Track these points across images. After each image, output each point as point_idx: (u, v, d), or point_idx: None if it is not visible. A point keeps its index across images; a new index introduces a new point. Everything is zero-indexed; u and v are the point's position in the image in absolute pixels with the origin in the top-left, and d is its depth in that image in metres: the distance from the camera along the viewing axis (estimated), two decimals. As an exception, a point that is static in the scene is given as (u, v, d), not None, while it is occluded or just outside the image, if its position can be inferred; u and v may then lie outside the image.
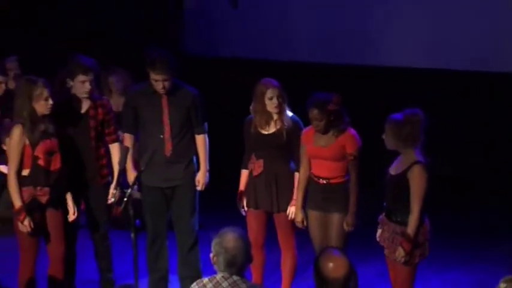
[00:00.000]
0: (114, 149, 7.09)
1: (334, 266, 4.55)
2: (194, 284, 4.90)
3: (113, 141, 7.12)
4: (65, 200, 6.77)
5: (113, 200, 6.85)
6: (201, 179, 7.03)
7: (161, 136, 6.91)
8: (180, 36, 11.79)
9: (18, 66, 9.79)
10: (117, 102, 9.21)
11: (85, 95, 6.90)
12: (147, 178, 7.02)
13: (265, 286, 5.09)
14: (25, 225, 6.42)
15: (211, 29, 11.62)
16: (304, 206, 6.80)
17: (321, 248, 6.28)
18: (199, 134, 7.04)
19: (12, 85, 9.64)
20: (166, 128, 6.90)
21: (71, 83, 6.95)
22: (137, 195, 7.22)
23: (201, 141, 7.04)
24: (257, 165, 6.89)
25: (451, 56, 10.18)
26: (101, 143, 7.08)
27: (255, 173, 6.92)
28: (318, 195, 6.71)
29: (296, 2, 11.17)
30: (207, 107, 7.12)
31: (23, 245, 6.64)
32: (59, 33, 11.22)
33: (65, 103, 6.91)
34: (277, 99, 6.75)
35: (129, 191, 6.28)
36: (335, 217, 6.65)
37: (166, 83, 6.80)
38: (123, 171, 6.79)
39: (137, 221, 7.11)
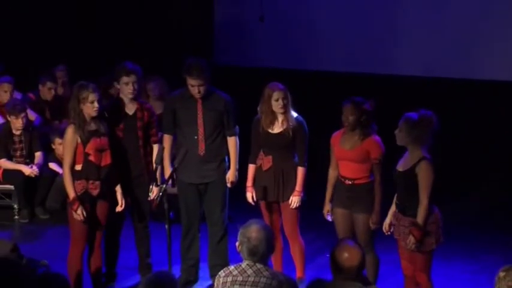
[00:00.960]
0: (155, 149, 7.41)
1: (348, 256, 4.81)
2: (221, 271, 5.14)
3: (155, 142, 7.44)
4: (115, 192, 7.16)
5: (150, 195, 7.13)
6: (230, 177, 7.37)
7: (195, 137, 7.27)
8: (210, 48, 11.85)
9: (66, 74, 10.16)
10: (153, 106, 9.25)
11: (130, 96, 7.24)
12: (183, 175, 7.33)
13: (285, 274, 5.33)
14: (78, 214, 6.85)
15: (239, 41, 11.68)
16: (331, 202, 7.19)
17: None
18: (230, 136, 7.38)
19: (60, 91, 10.15)
20: (200, 130, 7.28)
21: (118, 86, 7.40)
22: (171, 190, 7.37)
23: (232, 143, 7.39)
24: (266, 161, 7.31)
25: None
26: (147, 143, 7.40)
27: (264, 168, 7.32)
28: (344, 194, 7.06)
29: (317, 14, 11.25)
30: (237, 112, 7.43)
31: (74, 233, 7.05)
32: (99, 44, 11.40)
33: (114, 105, 7.34)
34: (283, 101, 7.16)
35: (164, 186, 6.58)
36: (360, 217, 7.01)
37: (202, 88, 7.17)
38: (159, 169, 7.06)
39: (171, 213, 7.40)
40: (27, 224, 9.32)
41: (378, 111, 7.54)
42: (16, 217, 9.40)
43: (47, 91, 9.99)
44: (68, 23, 11.63)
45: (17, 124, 9.33)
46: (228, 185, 7.41)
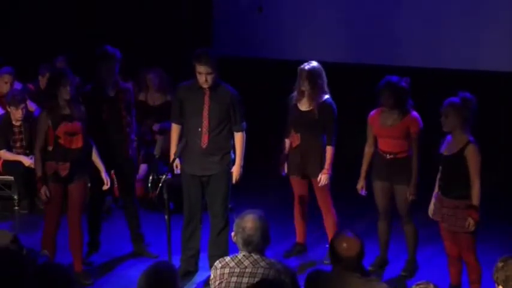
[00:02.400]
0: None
1: (347, 246, 4.82)
2: (217, 261, 5.14)
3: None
4: (90, 173, 7.48)
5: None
6: (235, 172, 7.36)
7: (199, 129, 7.23)
8: (209, 38, 11.88)
9: (66, 65, 10.03)
10: (153, 97, 9.73)
11: (111, 78, 7.60)
12: (186, 166, 7.35)
13: (285, 264, 5.17)
14: (41, 193, 7.19)
15: (238, 31, 11.70)
16: (367, 177, 7.58)
17: (384, 213, 7.52)
18: (237, 131, 7.35)
19: None
20: (205, 122, 7.24)
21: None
22: (171, 181, 7.03)
23: (239, 138, 7.36)
24: (295, 138, 7.68)
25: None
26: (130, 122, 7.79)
27: (293, 145, 7.68)
28: (384, 168, 7.40)
29: (316, 5, 11.26)
30: (245, 107, 7.41)
31: (45, 212, 7.40)
32: (98, 34, 11.13)
33: (96, 88, 7.68)
34: (309, 80, 7.49)
35: (163, 177, 6.59)
36: (399, 188, 7.37)
37: (209, 77, 7.12)
38: (158, 159, 7.26)
39: (171, 204, 7.23)
40: (27, 214, 9.38)
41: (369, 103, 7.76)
42: (16, 208, 9.43)
43: (46, 82, 9.86)
44: (68, 13, 11.64)
45: (16, 115, 9.34)
46: (233, 181, 7.40)
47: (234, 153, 7.40)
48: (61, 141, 7.19)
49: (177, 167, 7.33)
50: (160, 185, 6.64)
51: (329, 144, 7.60)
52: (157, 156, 7.15)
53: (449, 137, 6.81)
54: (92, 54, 7.76)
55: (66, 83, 7.10)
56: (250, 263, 5.02)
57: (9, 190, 9.49)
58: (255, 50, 11.57)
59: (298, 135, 7.64)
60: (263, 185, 9.52)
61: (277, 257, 6.45)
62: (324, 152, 7.62)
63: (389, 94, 7.25)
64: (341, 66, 10.68)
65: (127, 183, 7.94)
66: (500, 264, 4.78)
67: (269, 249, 5.21)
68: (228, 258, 5.11)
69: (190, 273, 7.58)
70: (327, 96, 7.58)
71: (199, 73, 7.14)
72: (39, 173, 7.22)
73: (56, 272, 4.45)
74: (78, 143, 7.25)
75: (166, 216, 6.56)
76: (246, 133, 7.46)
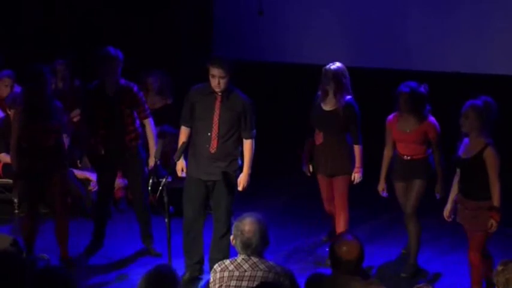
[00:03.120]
0: (147, 126, 7.94)
1: (347, 249, 4.85)
2: (216, 265, 5.14)
3: (145, 118, 7.92)
4: (65, 169, 7.72)
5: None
6: (242, 180, 7.26)
7: (209, 134, 7.14)
8: (209, 42, 11.86)
9: (66, 68, 10.15)
10: (153, 100, 9.67)
11: (112, 78, 7.72)
12: (191, 170, 7.27)
13: (284, 266, 5.16)
14: (16, 188, 7.61)
15: (238, 35, 11.67)
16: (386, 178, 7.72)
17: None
18: (246, 139, 7.26)
19: (60, 85, 10.15)
20: (215, 127, 7.15)
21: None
22: (171, 184, 7.26)
23: (248, 146, 7.27)
24: (319, 137, 7.76)
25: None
26: (133, 121, 7.90)
27: (317, 143, 7.77)
28: (402, 169, 7.58)
29: (316, 8, 11.23)
30: (256, 116, 7.33)
31: (23, 207, 7.73)
32: (97, 37, 11.08)
33: (97, 87, 7.82)
34: (332, 80, 7.58)
35: (164, 180, 6.57)
36: (416, 182, 7.53)
37: (222, 81, 7.05)
38: (158, 162, 7.18)
39: (171, 207, 7.20)
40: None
41: (379, 105, 7.95)
42: (16, 211, 9.31)
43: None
44: (68, 16, 11.64)
45: (16, 118, 9.38)
46: (239, 188, 7.32)
47: (242, 159, 7.36)
48: (35, 138, 7.39)
49: (182, 170, 7.30)
50: (160, 188, 6.62)
51: (356, 143, 7.72)
52: (157, 160, 7.03)
53: (466, 140, 6.90)
54: (94, 55, 7.88)
55: (42, 82, 7.30)
56: (250, 266, 5.01)
57: (9, 193, 9.44)
58: (255, 54, 11.59)
59: (322, 134, 7.74)
60: (266, 189, 9.49)
61: (277, 259, 6.45)
62: (348, 151, 7.74)
63: (407, 99, 7.39)
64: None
65: (133, 181, 8.04)
66: (500, 268, 4.92)
67: (269, 252, 5.20)
68: (227, 262, 5.11)
69: (196, 279, 7.52)
70: (350, 96, 7.69)
71: (213, 76, 7.08)
72: (15, 169, 7.47)
73: (55, 276, 4.45)
74: (52, 140, 7.45)
75: (166, 220, 6.58)
76: (258, 143, 7.46)
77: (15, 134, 7.44)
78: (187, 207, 7.41)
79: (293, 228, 8.61)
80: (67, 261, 7.72)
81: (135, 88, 7.95)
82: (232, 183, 7.31)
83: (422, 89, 7.43)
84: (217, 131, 7.18)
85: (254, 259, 5.02)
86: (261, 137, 7.56)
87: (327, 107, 7.69)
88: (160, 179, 6.77)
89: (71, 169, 8.95)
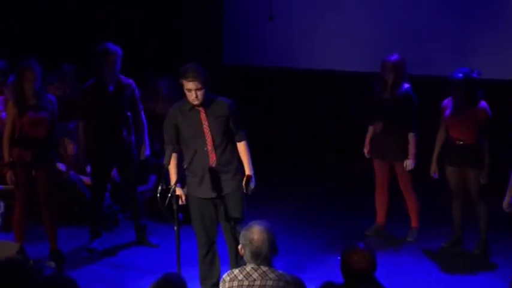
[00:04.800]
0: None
1: (358, 258, 4.80)
2: (225, 275, 5.11)
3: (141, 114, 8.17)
4: (54, 162, 7.96)
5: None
6: (247, 183, 6.98)
7: (205, 148, 6.85)
8: (219, 47, 11.86)
9: (73, 73, 10.04)
10: (163, 107, 9.41)
11: (111, 73, 7.89)
12: (195, 191, 6.97)
13: (294, 275, 5.12)
14: (8, 177, 7.69)
15: (249, 40, 11.68)
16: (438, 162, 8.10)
17: (457, 194, 8.13)
18: (239, 141, 7.00)
19: (67, 91, 9.94)
20: (209, 140, 6.85)
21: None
22: (180, 191, 7.02)
23: (242, 148, 7.01)
24: (378, 125, 8.25)
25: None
26: (129, 116, 8.13)
27: (376, 131, 8.29)
28: (454, 153, 7.95)
29: (327, 13, 11.23)
30: (242, 115, 7.07)
31: (15, 196, 7.85)
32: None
33: (96, 83, 7.99)
34: (391, 71, 8.08)
35: (173, 187, 6.48)
36: (471, 173, 7.91)
37: (199, 93, 6.73)
38: (168, 169, 6.81)
39: (180, 214, 7.04)
40: (34, 225, 9.11)
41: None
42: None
43: (54, 91, 9.72)
44: (76, 20, 11.63)
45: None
46: (247, 191, 7.04)
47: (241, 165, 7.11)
48: (26, 129, 7.64)
49: (181, 198, 6.91)
50: (169, 195, 6.52)
51: (410, 131, 8.15)
52: (166, 166, 6.92)
53: None
54: (94, 51, 7.98)
55: (31, 76, 7.54)
56: (259, 275, 4.98)
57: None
58: (265, 59, 11.59)
59: (381, 122, 8.19)
60: (272, 196, 9.50)
61: (286, 268, 6.33)
62: (406, 138, 8.17)
63: (460, 84, 7.69)
64: (354, 75, 10.72)
65: (127, 176, 8.30)
66: None
67: (278, 260, 5.18)
68: (236, 271, 5.07)
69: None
70: (408, 85, 8.14)
71: (189, 90, 6.76)
72: (6, 159, 7.71)
73: (63, 284, 4.43)
74: (42, 132, 7.68)
75: (175, 228, 6.47)
76: (253, 142, 7.25)
77: (9, 125, 7.70)
78: (199, 231, 7.11)
79: (302, 235, 8.60)
80: (56, 254, 7.89)
81: (134, 83, 8.15)
82: (240, 194, 7.05)
83: (476, 74, 7.73)
84: (212, 142, 6.90)
85: (263, 268, 4.99)
86: (270, 143, 7.47)
87: (386, 96, 8.14)
88: (169, 186, 6.64)
89: (80, 176, 9.03)
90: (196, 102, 6.81)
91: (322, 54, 11.18)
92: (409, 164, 8.21)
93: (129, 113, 8.21)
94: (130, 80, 8.16)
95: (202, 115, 6.87)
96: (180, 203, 6.89)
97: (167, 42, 11.56)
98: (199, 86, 6.74)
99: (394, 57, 8.16)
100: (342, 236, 8.44)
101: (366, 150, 8.47)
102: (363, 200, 8.23)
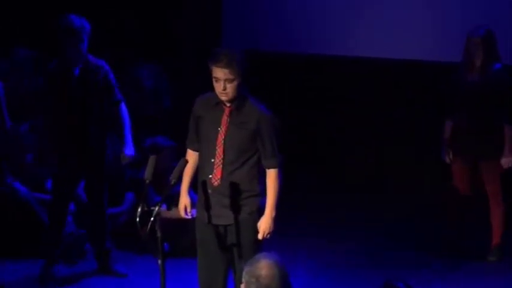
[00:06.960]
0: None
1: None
2: None
3: (118, 104, 7.28)
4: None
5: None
6: (262, 224, 5.85)
7: (212, 160, 5.85)
8: (218, 32, 11.67)
9: (32, 60, 9.43)
10: (143, 102, 9.17)
11: (76, 55, 7.07)
12: (199, 211, 6.05)
13: None
14: None
15: (249, 24, 11.53)
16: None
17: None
18: (268, 167, 5.85)
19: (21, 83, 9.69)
20: (219, 151, 5.82)
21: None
22: (166, 214, 6.74)
23: (271, 177, 5.86)
24: (463, 116, 7.47)
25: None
26: (102, 106, 7.29)
27: (459, 123, 7.50)
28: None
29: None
30: (281, 135, 5.95)
31: None
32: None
33: (59, 66, 7.19)
34: (481, 48, 7.32)
35: (156, 209, 5.57)
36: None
37: (229, 86, 5.70)
38: (150, 185, 5.95)
39: (165, 244, 6.23)
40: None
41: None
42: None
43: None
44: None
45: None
46: (259, 235, 5.88)
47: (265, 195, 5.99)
48: None
49: (186, 209, 6.06)
50: (152, 219, 5.63)
51: (506, 122, 7.44)
52: (148, 182, 5.92)
53: None
54: (55, 26, 7.25)
55: None
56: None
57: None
58: (267, 44, 11.28)
59: (465, 112, 7.49)
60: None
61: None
62: (498, 131, 7.49)
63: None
64: (357, 60, 10.43)
65: (93, 181, 7.40)
66: None
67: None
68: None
69: None
70: (500, 64, 7.48)
71: (216, 79, 5.70)
72: None
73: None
74: None
75: (159, 261, 5.61)
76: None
77: None
78: (200, 262, 6.13)
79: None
80: None
81: (106, 66, 7.28)
82: (248, 229, 5.89)
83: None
84: (221, 155, 5.78)
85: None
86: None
87: (474, 80, 7.45)
88: (152, 208, 5.67)
89: (35, 194, 8.32)
90: (224, 97, 5.75)
91: (325, 38, 10.85)
92: (506, 162, 7.44)
93: (101, 104, 7.32)
94: (102, 61, 7.29)
95: (224, 118, 5.83)
96: (186, 216, 6.07)
97: (167, 42, 11.29)
98: (231, 76, 5.68)
99: (482, 30, 7.40)
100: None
101: (447, 158, 7.65)
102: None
